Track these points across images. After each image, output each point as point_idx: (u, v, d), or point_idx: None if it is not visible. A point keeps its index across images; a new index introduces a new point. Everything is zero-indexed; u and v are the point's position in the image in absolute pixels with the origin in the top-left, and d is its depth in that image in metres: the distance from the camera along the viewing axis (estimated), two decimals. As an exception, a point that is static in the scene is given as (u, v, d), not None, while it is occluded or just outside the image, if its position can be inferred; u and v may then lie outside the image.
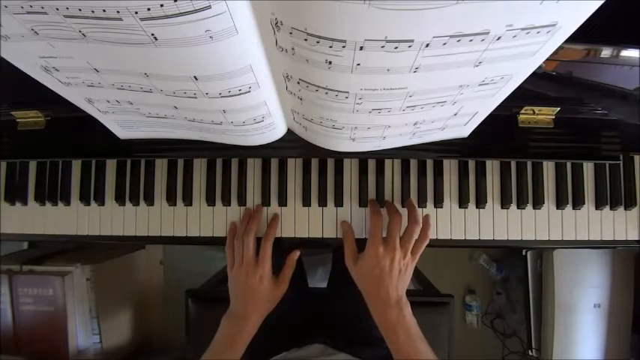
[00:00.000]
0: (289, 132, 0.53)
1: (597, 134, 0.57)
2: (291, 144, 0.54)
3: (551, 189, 0.61)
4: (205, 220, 0.62)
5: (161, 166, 0.63)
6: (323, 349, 0.64)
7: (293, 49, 0.32)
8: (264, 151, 0.54)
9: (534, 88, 0.49)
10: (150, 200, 0.63)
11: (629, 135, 0.58)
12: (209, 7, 0.27)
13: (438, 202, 0.61)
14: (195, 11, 0.27)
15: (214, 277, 1.06)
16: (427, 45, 0.29)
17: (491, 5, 0.26)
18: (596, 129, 0.57)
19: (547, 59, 0.34)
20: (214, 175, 0.62)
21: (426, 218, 0.57)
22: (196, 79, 0.36)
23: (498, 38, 0.29)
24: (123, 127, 0.52)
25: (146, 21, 0.28)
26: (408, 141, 0.52)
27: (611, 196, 0.60)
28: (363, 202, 0.61)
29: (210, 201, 0.62)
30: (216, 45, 0.31)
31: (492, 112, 0.46)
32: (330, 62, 0.32)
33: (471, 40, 0.29)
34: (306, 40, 0.30)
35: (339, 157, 0.60)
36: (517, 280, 1.35)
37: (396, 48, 0.29)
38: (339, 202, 0.61)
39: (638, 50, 0.41)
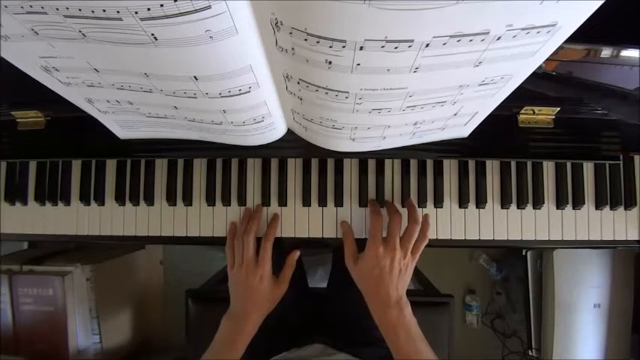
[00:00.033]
0: (289, 132, 0.53)
1: (597, 134, 0.57)
2: (291, 144, 0.54)
3: (551, 189, 0.61)
4: (205, 220, 0.62)
5: (161, 166, 0.63)
6: (323, 349, 0.64)
7: (293, 49, 0.32)
8: (264, 151, 0.54)
9: (534, 88, 0.49)
10: (150, 200, 0.63)
11: (629, 135, 0.58)
12: (209, 7, 0.27)
13: (438, 202, 0.61)
14: (195, 11, 0.27)
15: (214, 277, 1.06)
16: (427, 45, 0.29)
17: (491, 5, 0.26)
18: (596, 129, 0.57)
19: (547, 59, 0.34)
20: (214, 175, 0.62)
21: (425, 218, 0.57)
22: (196, 79, 0.36)
23: (498, 38, 0.29)
24: (123, 127, 0.52)
25: (146, 21, 0.28)
26: (408, 141, 0.52)
27: (611, 196, 0.60)
28: (363, 202, 0.61)
29: (210, 201, 0.62)
30: (216, 45, 0.31)
31: (492, 112, 0.46)
32: (330, 62, 0.32)
33: (471, 40, 0.29)
34: (306, 40, 0.30)
35: (339, 157, 0.60)
36: (517, 280, 1.35)
37: (396, 48, 0.29)
38: (339, 202, 0.61)
39: (638, 50, 0.41)
